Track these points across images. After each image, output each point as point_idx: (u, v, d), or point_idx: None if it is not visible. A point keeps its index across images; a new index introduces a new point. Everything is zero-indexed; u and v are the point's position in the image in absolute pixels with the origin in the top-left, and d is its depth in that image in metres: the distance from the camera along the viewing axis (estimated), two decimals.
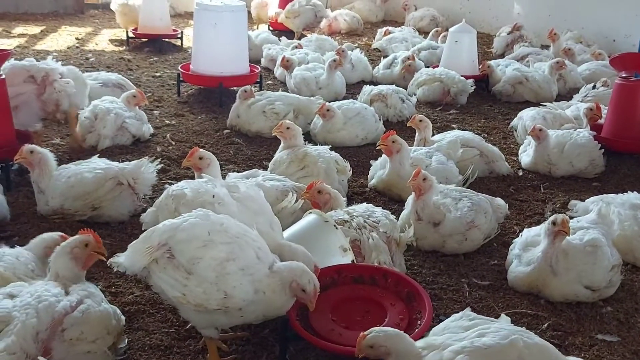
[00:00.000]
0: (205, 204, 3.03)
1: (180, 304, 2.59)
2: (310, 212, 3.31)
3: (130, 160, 4.80)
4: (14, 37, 8.72)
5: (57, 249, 2.83)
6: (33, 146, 4.06)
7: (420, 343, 2.44)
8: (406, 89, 6.70)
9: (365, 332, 2.43)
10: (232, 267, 2.54)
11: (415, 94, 6.78)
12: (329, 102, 5.86)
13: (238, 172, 4.64)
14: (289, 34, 9.24)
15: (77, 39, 9.03)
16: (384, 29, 9.54)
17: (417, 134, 5.06)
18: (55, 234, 3.22)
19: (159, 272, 2.59)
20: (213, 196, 3.08)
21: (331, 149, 4.64)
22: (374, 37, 9.73)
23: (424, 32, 10.04)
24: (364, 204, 3.68)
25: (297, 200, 3.75)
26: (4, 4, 10.15)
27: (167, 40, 8.85)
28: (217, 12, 6.35)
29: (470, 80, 6.87)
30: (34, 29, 9.12)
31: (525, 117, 5.78)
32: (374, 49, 9.21)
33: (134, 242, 2.70)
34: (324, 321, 2.81)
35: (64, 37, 9.10)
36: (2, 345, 2.42)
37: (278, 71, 7.42)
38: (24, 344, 2.43)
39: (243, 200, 3.05)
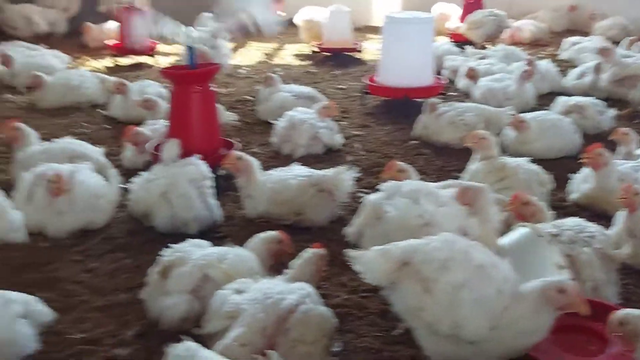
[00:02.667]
0: (411, 224, 3.12)
1: (414, 317, 2.62)
2: (521, 225, 3.22)
3: (323, 169, 4.99)
4: None
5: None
6: (240, 153, 4.32)
7: None
8: (601, 100, 6.36)
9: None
10: (466, 295, 2.53)
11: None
12: (519, 113, 5.72)
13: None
14: (470, 45, 9.10)
15: (265, 54, 9.51)
16: (570, 38, 9.15)
17: (620, 147, 4.79)
18: (273, 233, 3.39)
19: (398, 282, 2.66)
20: (420, 216, 3.16)
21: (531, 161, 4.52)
22: (559, 47, 9.34)
23: (614, 42, 9.48)
24: (573, 218, 3.52)
25: (499, 213, 3.67)
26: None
27: (348, 54, 9.05)
28: (405, 24, 6.42)
29: None
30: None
31: None
32: (561, 59, 8.84)
33: (372, 252, 2.76)
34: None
35: (253, 52, 9.63)
36: (233, 334, 2.58)
37: (461, 82, 7.33)
38: (252, 336, 2.57)
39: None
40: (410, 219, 3.25)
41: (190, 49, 4.75)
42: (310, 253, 3.08)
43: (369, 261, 2.71)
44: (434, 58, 6.83)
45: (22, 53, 7.49)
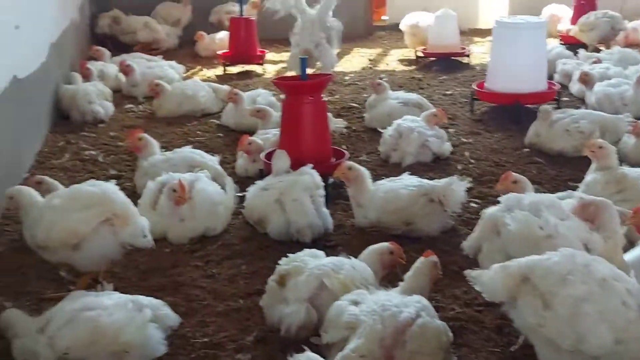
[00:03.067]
0: (533, 237, 3.08)
1: (535, 333, 2.60)
2: None
3: (432, 178, 4.98)
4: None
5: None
6: (351, 163, 4.39)
7: None
8: None
9: None
10: (589, 308, 2.48)
11: None
12: (638, 119, 5.49)
13: (543, 193, 4.54)
14: (582, 48, 8.79)
15: (369, 60, 9.56)
16: None
17: None
18: (384, 244, 3.44)
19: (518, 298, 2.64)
20: (541, 228, 3.11)
21: None
22: None
23: None
24: None
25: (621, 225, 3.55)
26: None
27: (455, 58, 8.96)
28: (517, 29, 6.30)
29: None
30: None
31: None
32: None
33: (492, 270, 2.77)
34: None
35: (357, 58, 9.69)
36: (352, 346, 2.64)
37: (575, 87, 7.10)
38: (371, 348, 2.62)
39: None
40: (531, 231, 3.21)
41: (302, 60, 4.86)
42: (421, 263, 3.10)
43: (489, 280, 2.71)
44: (546, 62, 6.65)
45: (141, 64, 7.89)
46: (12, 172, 4.98)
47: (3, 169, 4.71)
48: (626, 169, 4.30)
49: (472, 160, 5.49)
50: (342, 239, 4.22)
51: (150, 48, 9.59)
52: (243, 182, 4.97)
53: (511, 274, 2.72)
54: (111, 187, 3.58)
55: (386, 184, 4.33)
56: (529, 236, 3.19)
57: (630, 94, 6.20)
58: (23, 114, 5.38)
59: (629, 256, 3.07)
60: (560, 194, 4.10)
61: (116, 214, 3.42)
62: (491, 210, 3.48)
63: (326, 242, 4.15)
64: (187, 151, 5.00)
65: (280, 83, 5.01)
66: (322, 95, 4.90)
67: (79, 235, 3.36)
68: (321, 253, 3.40)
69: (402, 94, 6.44)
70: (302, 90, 4.76)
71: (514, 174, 3.95)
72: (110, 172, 5.34)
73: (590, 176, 4.38)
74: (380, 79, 8.27)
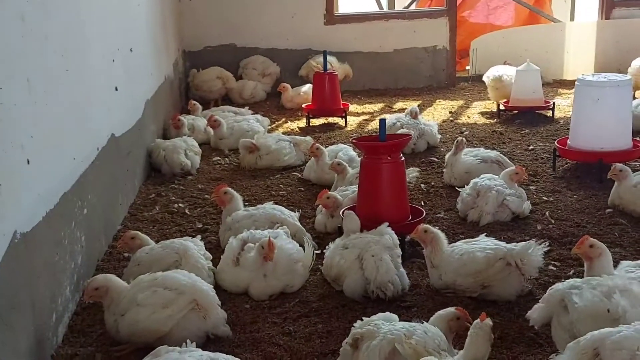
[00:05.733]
0: (599, 317, 3.09)
1: None
2: None
3: (511, 238, 4.96)
4: (395, 111, 9.61)
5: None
6: (427, 226, 4.45)
7: None
8: None
9: None
10: None
11: None
12: None
13: (625, 257, 4.46)
14: None
15: (450, 112, 9.62)
16: None
17: None
18: (450, 310, 3.50)
19: None
20: (608, 311, 3.11)
21: None
22: None
23: None
24: None
25: None
26: (386, 81, 11.29)
27: (538, 112, 8.89)
28: (600, 87, 6.24)
29: None
30: (412, 103, 9.95)
31: None
32: None
33: (571, 344, 2.81)
34: None
35: (439, 110, 9.76)
36: None
37: None
38: None
39: None
40: (598, 311, 3.20)
41: (381, 121, 5.01)
42: (480, 328, 3.10)
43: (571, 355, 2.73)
44: (631, 120, 6.53)
45: (228, 117, 8.25)
46: (108, 224, 5.32)
47: (100, 221, 5.05)
48: None
49: (553, 221, 5.43)
50: (417, 299, 4.27)
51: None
52: (322, 238, 5.12)
53: (583, 348, 2.73)
54: (196, 278, 3.83)
55: (462, 245, 4.37)
56: (595, 315, 3.17)
57: None
58: (119, 168, 5.75)
59: None
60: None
61: (200, 305, 3.66)
62: (559, 286, 3.48)
63: (401, 303, 4.21)
64: (269, 207, 5.20)
65: (360, 143, 5.16)
66: (400, 155, 5.01)
67: (162, 333, 3.61)
68: (395, 317, 3.48)
69: (481, 151, 6.44)
70: (380, 151, 4.89)
71: (591, 238, 3.92)
72: (197, 225, 5.59)
73: None
74: (462, 132, 8.34)
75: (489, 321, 3.12)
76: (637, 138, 6.68)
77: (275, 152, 7.08)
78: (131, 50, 6.57)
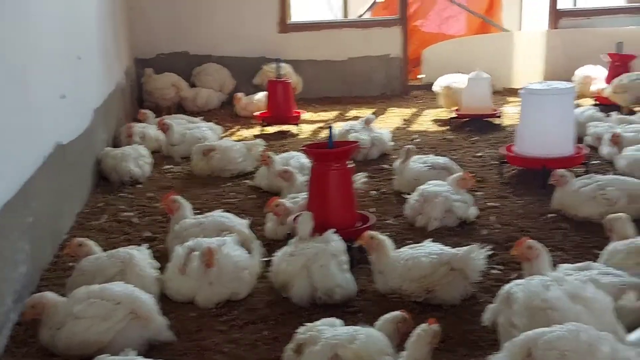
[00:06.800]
0: (535, 308, 3.14)
1: None
2: None
3: (457, 243, 5.05)
4: (349, 119, 9.68)
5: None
6: (374, 233, 4.51)
7: None
8: None
9: None
10: None
11: None
12: None
13: (567, 260, 4.57)
14: (616, 109, 8.81)
15: (403, 119, 9.74)
16: None
17: None
18: (396, 313, 3.55)
19: None
20: (543, 301, 3.17)
21: None
22: None
23: None
24: None
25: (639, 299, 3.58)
26: (340, 89, 11.37)
27: (487, 119, 9.06)
28: (544, 95, 6.41)
29: None
30: (366, 111, 10.04)
31: None
32: None
33: (507, 343, 2.87)
34: None
35: (392, 118, 9.87)
36: None
37: (605, 150, 7.11)
38: None
39: (589, 305, 3.04)
40: (534, 302, 3.26)
41: (329, 128, 5.06)
42: (424, 331, 3.16)
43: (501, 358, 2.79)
44: (575, 127, 6.71)
45: (180, 125, 8.21)
46: (55, 233, 5.25)
47: (46, 230, 4.98)
48: None
49: (498, 225, 5.54)
50: (364, 304, 4.32)
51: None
52: (272, 245, 5.12)
53: (516, 348, 2.79)
54: (133, 288, 3.82)
55: (407, 251, 4.43)
56: (531, 307, 3.24)
57: None
58: (66, 176, 5.68)
59: (634, 335, 3.10)
60: (580, 264, 4.14)
61: (139, 314, 3.65)
62: (511, 285, 3.56)
63: (348, 308, 4.25)
64: (218, 215, 5.19)
65: (308, 150, 5.20)
66: (348, 162, 5.06)
67: (101, 345, 3.56)
68: (339, 322, 3.52)
69: (430, 158, 6.54)
70: (328, 158, 4.93)
71: (529, 240, 4.03)
72: (145, 234, 5.55)
73: (611, 245, 4.41)
74: (413, 140, 8.44)
75: (436, 327, 3.17)
76: (580, 145, 6.88)
77: (226, 150, 7.07)
78: (79, 58, 6.49)
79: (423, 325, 3.16)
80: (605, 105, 8.97)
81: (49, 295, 3.80)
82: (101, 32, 7.90)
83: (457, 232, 5.42)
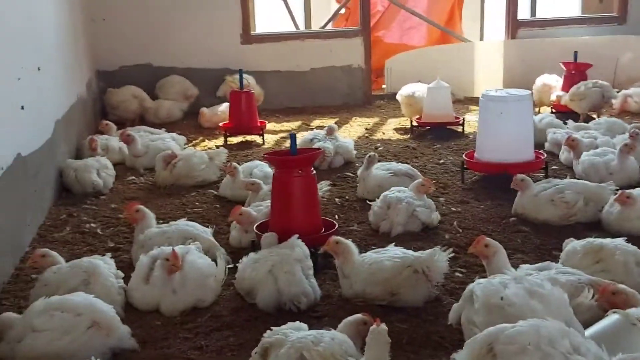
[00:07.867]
0: (493, 306, 3.21)
1: None
2: (614, 312, 3.22)
3: (421, 247, 5.12)
4: (312, 129, 9.73)
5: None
6: (339, 238, 4.55)
7: None
8: None
9: None
10: None
11: None
12: (621, 188, 5.65)
13: (527, 262, 4.66)
14: (573, 116, 9.01)
15: (366, 129, 9.82)
16: None
17: None
18: (358, 315, 3.59)
19: None
20: (502, 298, 3.23)
21: (627, 241, 4.48)
22: None
23: None
24: None
25: (593, 297, 3.68)
26: (303, 99, 11.42)
27: (449, 127, 9.19)
28: (503, 102, 6.54)
29: None
30: (329, 121, 10.11)
31: None
32: None
33: (469, 340, 2.93)
34: None
35: (355, 127, 9.95)
36: None
37: (563, 155, 7.29)
38: None
39: (546, 301, 3.11)
40: (493, 299, 3.33)
41: (291, 136, 5.09)
42: (377, 332, 3.15)
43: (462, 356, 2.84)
44: (534, 133, 6.86)
45: (144, 136, 8.16)
46: (16, 246, 5.18)
47: (7, 243, 4.91)
48: (603, 240, 4.43)
49: (460, 230, 5.63)
50: (329, 309, 4.34)
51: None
52: (236, 253, 5.13)
53: (477, 344, 2.84)
54: (94, 299, 3.78)
55: (371, 255, 4.48)
56: (489, 304, 3.30)
57: (615, 163, 6.37)
58: (27, 188, 5.61)
59: (593, 329, 3.19)
60: (539, 264, 4.24)
61: (101, 325, 3.62)
62: (475, 284, 3.62)
63: (313, 313, 4.28)
64: (182, 224, 5.18)
65: (271, 158, 5.23)
66: (311, 169, 5.10)
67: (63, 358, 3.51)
68: (305, 326, 3.54)
69: (392, 165, 6.62)
70: (290, 165, 4.97)
71: (486, 238, 4.12)
72: (109, 244, 5.51)
73: (569, 246, 4.52)
74: (376, 148, 8.53)
75: (383, 326, 3.18)
76: (540, 150, 7.03)
77: (189, 157, 7.07)
78: (39, 69, 6.43)
79: (373, 328, 3.16)
80: (563, 113, 9.18)
81: (5, 314, 3.78)
82: (61, 43, 7.83)
83: (421, 237, 5.50)
